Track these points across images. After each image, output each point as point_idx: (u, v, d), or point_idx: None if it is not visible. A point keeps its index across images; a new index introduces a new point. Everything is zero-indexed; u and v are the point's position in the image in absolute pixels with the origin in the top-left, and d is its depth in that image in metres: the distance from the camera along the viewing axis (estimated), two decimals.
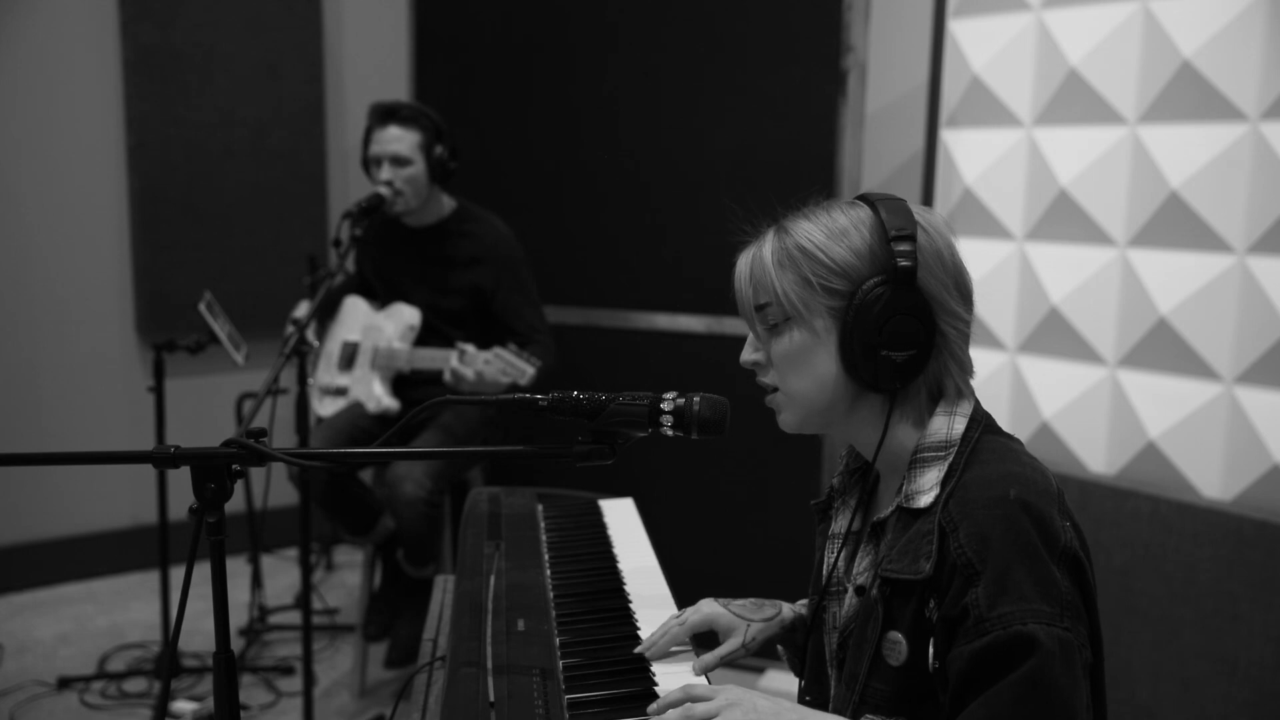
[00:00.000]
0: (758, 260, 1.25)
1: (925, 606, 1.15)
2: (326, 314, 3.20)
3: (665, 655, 1.42)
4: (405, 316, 3.01)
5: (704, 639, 1.46)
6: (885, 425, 1.23)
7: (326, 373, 3.13)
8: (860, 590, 1.25)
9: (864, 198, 1.25)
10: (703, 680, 1.34)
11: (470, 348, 2.76)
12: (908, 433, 1.24)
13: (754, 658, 1.46)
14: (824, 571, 1.36)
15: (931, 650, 1.14)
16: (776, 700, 1.18)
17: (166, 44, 3.80)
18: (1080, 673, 1.10)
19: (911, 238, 1.18)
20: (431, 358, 2.88)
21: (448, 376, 2.79)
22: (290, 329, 2.49)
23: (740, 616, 1.45)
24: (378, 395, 2.99)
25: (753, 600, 1.48)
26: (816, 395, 1.24)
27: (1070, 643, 1.09)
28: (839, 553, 1.34)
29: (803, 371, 1.23)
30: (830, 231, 1.21)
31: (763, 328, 1.26)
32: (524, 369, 2.72)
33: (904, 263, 1.17)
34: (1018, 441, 1.25)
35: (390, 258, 3.08)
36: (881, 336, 1.18)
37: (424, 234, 3.03)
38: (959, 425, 1.22)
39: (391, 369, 2.99)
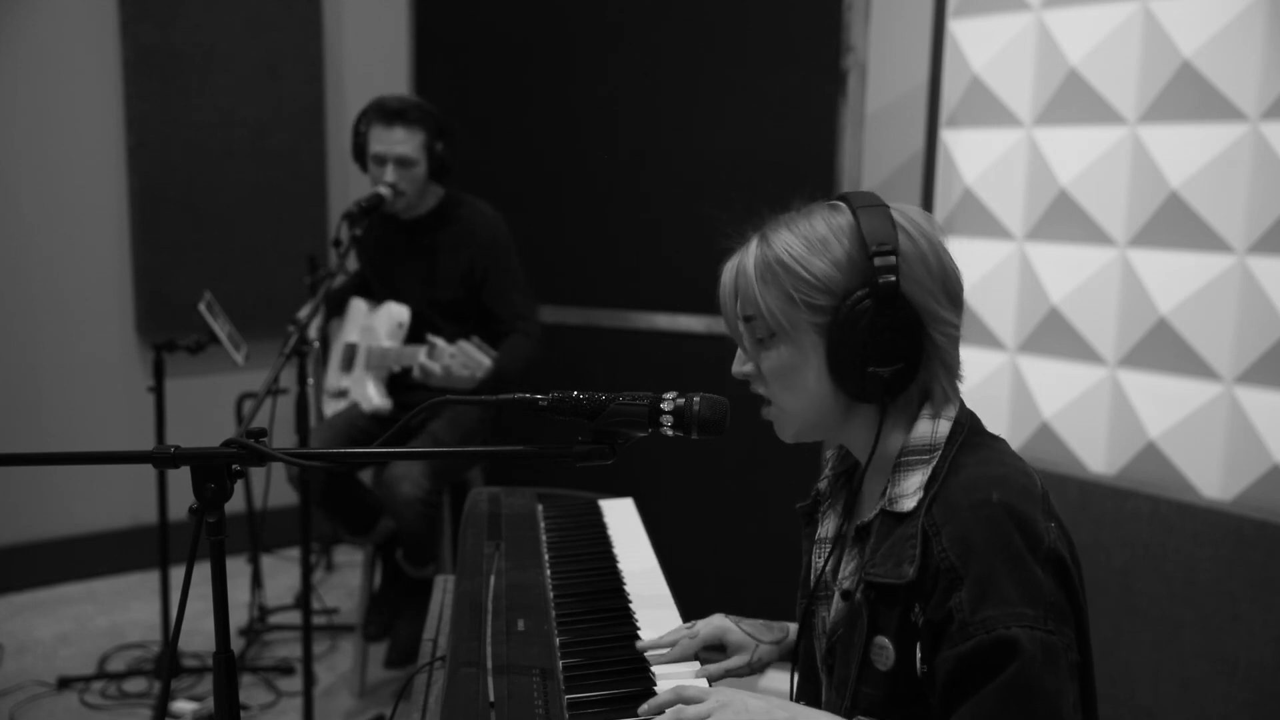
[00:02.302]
0: (742, 272, 1.24)
1: (911, 611, 1.14)
2: (335, 316, 3.21)
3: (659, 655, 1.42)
4: (393, 314, 3.01)
5: (712, 649, 1.46)
6: (878, 434, 1.23)
7: (332, 376, 3.14)
8: (846, 595, 1.25)
9: (845, 199, 1.23)
10: (697, 682, 1.34)
11: (440, 342, 2.77)
12: (901, 435, 1.24)
13: (756, 673, 1.47)
14: (811, 575, 1.36)
15: (919, 654, 1.14)
16: (767, 698, 1.18)
17: (166, 44, 3.80)
18: (1066, 674, 1.10)
19: (892, 250, 1.16)
20: (410, 355, 2.88)
21: (416, 373, 2.79)
22: (291, 329, 2.49)
23: (751, 635, 1.46)
24: (369, 395, 2.98)
25: (762, 621, 1.49)
26: (810, 411, 1.24)
27: (1054, 645, 1.09)
28: (826, 557, 1.34)
29: (794, 389, 1.23)
30: (810, 243, 1.19)
31: (750, 340, 1.26)
32: (480, 361, 2.73)
33: (886, 278, 1.15)
34: (1003, 443, 1.25)
35: (384, 254, 3.08)
36: (868, 352, 1.17)
37: (415, 226, 3.03)
38: (943, 428, 1.21)
39: (383, 368, 2.99)
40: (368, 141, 2.90)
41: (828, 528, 1.36)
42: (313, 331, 2.75)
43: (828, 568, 1.34)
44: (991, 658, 1.07)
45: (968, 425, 1.23)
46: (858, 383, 1.19)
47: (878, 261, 1.15)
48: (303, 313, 2.52)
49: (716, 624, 1.46)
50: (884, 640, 1.17)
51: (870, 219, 1.18)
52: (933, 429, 1.21)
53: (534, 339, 3.00)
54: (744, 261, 1.24)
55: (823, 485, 1.41)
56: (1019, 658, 1.07)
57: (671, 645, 1.42)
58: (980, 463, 1.18)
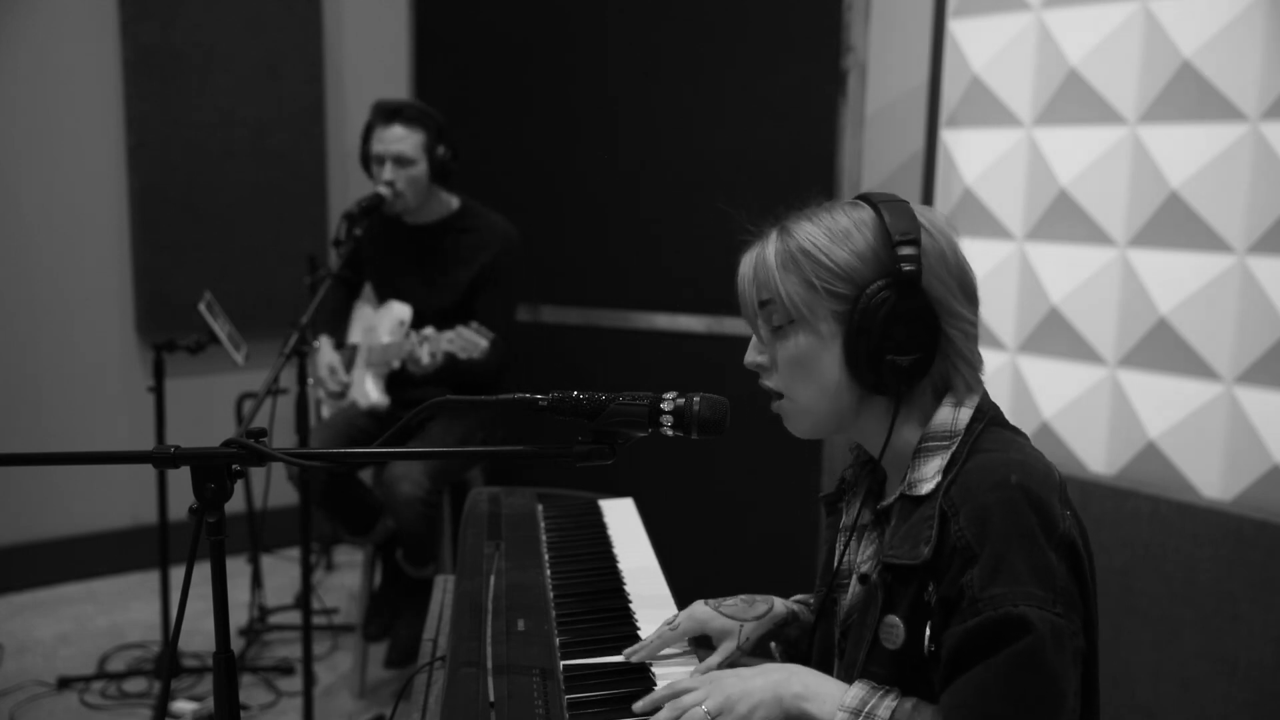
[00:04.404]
0: (761, 260, 1.25)
1: (925, 590, 1.16)
2: (342, 319, 3.20)
3: (656, 659, 1.41)
4: (395, 313, 3.00)
5: (703, 640, 1.46)
6: (891, 426, 1.24)
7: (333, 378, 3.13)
8: (864, 578, 1.26)
9: (865, 198, 1.25)
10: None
11: (430, 330, 2.76)
12: (913, 430, 1.25)
13: (749, 655, 1.46)
14: (835, 563, 1.37)
15: (928, 632, 1.15)
16: (762, 664, 1.20)
17: (166, 44, 3.80)
18: (1071, 659, 1.11)
19: (915, 241, 1.18)
20: (408, 347, 2.85)
21: (412, 365, 2.78)
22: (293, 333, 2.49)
23: (733, 618, 1.43)
24: (366, 391, 2.98)
25: (743, 598, 1.46)
26: (823, 402, 1.25)
27: (1062, 629, 1.10)
28: (847, 544, 1.35)
29: (809, 377, 1.24)
30: (832, 233, 1.21)
31: (766, 328, 1.27)
32: (477, 343, 2.71)
33: (908, 267, 1.17)
34: (1023, 435, 1.26)
35: (387, 257, 3.08)
36: (886, 341, 1.18)
37: (423, 232, 3.03)
38: (964, 416, 1.23)
39: (383, 364, 2.98)
40: (371, 146, 2.90)
41: (852, 516, 1.37)
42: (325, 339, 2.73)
43: (847, 554, 1.34)
44: (999, 633, 1.09)
45: (989, 414, 1.25)
46: (874, 371, 1.20)
47: (901, 251, 1.18)
48: (357, 333, 2.52)
49: (697, 617, 1.43)
50: (894, 619, 1.18)
51: (893, 213, 1.21)
52: (954, 416, 1.23)
53: (500, 355, 2.97)
54: (764, 251, 1.25)
55: (848, 474, 1.42)
56: (1032, 633, 1.08)
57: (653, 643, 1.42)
58: (1000, 448, 1.19)
